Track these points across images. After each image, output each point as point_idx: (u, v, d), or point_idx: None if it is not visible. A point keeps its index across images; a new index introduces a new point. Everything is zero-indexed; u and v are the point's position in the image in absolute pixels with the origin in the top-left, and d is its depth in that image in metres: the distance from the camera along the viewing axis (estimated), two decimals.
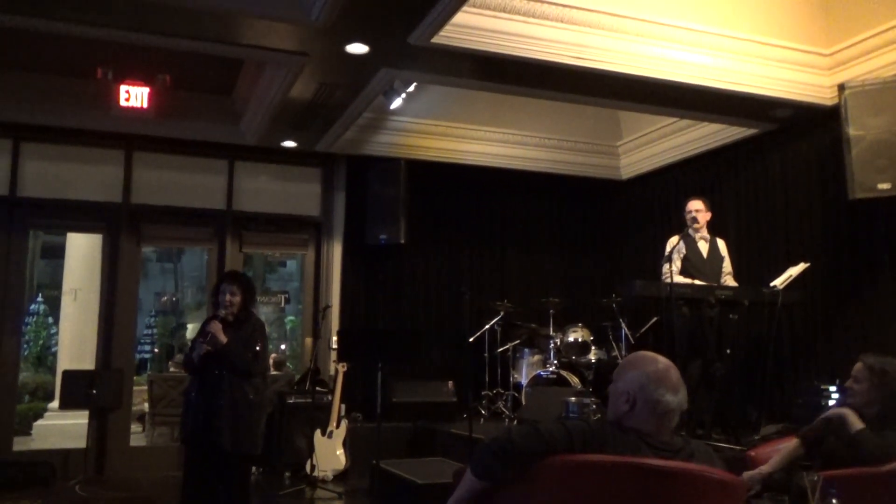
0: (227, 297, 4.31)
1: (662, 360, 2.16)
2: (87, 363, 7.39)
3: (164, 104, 6.14)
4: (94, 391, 6.31)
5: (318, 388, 6.60)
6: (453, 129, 7.60)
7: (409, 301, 7.80)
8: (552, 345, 7.03)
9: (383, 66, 5.34)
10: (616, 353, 6.85)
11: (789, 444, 3.58)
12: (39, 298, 12.64)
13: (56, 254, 11.63)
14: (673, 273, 5.30)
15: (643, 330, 6.82)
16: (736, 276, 5.91)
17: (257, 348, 4.28)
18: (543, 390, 6.60)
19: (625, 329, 6.80)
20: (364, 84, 5.69)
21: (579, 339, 7.04)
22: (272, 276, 17.34)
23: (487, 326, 7.21)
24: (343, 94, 5.87)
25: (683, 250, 5.73)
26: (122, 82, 5.95)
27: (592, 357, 6.99)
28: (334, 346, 6.63)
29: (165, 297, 16.86)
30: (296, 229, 7.73)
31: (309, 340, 7.57)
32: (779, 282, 5.42)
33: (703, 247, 5.87)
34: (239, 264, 7.44)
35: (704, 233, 5.89)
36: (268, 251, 12.61)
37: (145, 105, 5.98)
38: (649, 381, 2.10)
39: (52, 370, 10.34)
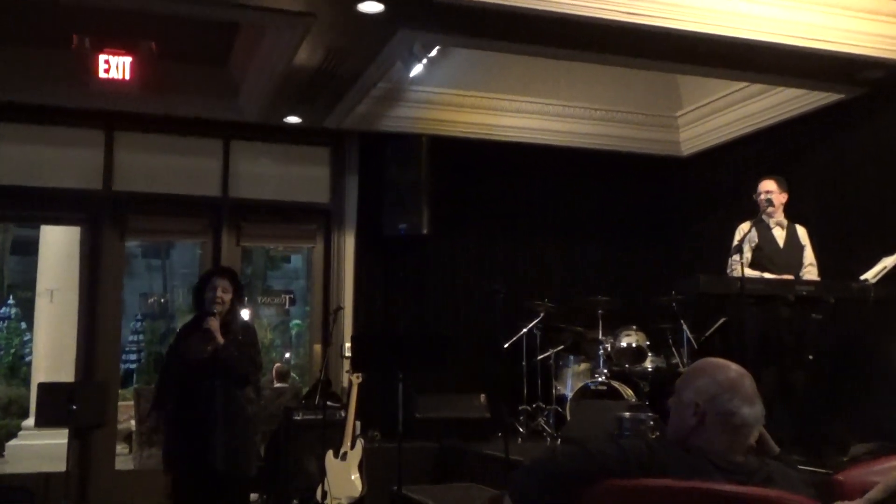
0: (219, 292, 4.31)
1: (735, 367, 2.16)
2: (66, 374, 7.50)
3: (149, 76, 6.19)
4: (75, 407, 6.36)
5: (329, 403, 6.64)
6: (483, 99, 7.59)
7: (433, 301, 7.82)
8: (601, 351, 7.01)
9: (401, 26, 5.34)
10: (676, 360, 6.83)
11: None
12: (11, 301, 12.90)
13: (29, 250, 11.84)
14: (743, 266, 5.25)
15: (709, 333, 6.79)
16: (819, 269, 5.83)
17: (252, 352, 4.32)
18: (591, 404, 6.59)
19: (686, 332, 6.77)
20: (379, 49, 5.70)
21: (633, 345, 7.01)
22: (275, 274, 17.50)
23: (525, 330, 7.20)
24: (355, 60, 5.89)
25: (755, 239, 5.67)
26: (101, 51, 6.00)
27: (649, 365, 6.96)
28: (347, 353, 6.66)
29: (153, 299, 17.05)
30: (302, 219, 7.79)
31: (318, 347, 7.62)
32: (870, 275, 5.34)
33: (779, 235, 5.81)
34: (237, 260, 7.51)
35: (780, 218, 5.82)
36: (270, 245, 12.73)
37: (127, 77, 6.03)
38: (721, 390, 2.09)
39: (27, 383, 10.52)
